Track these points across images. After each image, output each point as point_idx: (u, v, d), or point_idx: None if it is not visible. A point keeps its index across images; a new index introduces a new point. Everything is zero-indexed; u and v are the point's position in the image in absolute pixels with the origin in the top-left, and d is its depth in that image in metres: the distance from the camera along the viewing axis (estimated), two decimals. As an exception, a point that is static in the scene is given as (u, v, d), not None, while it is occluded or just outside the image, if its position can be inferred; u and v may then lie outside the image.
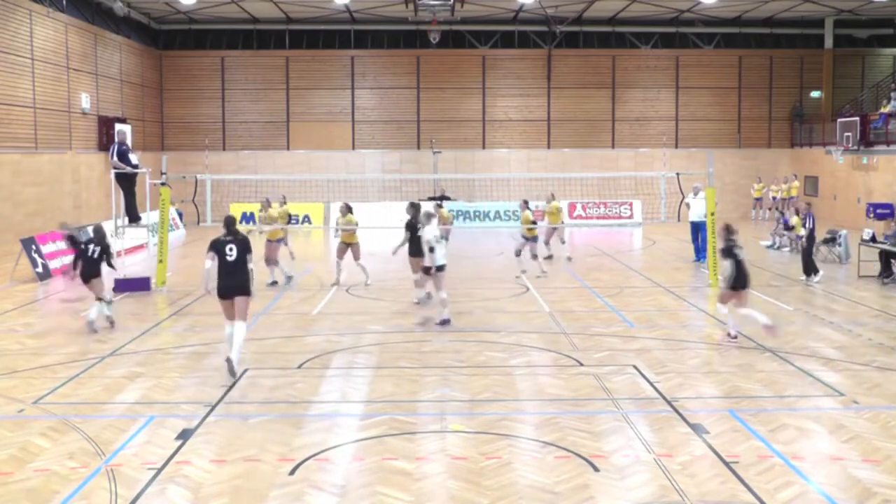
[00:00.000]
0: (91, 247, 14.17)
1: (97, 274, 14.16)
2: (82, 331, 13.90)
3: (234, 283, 11.16)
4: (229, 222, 11.51)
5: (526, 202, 21.68)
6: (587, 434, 8.78)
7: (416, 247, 15.73)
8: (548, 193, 23.49)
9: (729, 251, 12.98)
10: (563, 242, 23.35)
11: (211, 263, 11.27)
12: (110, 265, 14.75)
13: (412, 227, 15.93)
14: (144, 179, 19.37)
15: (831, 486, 7.45)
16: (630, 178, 34.93)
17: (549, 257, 22.43)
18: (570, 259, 22.73)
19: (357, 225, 18.51)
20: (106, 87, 31.41)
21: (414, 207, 16.32)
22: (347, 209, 18.39)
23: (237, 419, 9.40)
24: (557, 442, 8.55)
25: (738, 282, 12.85)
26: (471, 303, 16.90)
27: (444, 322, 14.29)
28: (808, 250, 19.12)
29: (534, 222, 21.01)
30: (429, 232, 14.42)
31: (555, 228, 22.93)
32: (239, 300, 11.16)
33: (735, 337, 13.07)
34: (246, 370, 11.44)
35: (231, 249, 11.20)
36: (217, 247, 11.26)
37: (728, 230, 13.29)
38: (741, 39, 38.46)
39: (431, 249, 14.32)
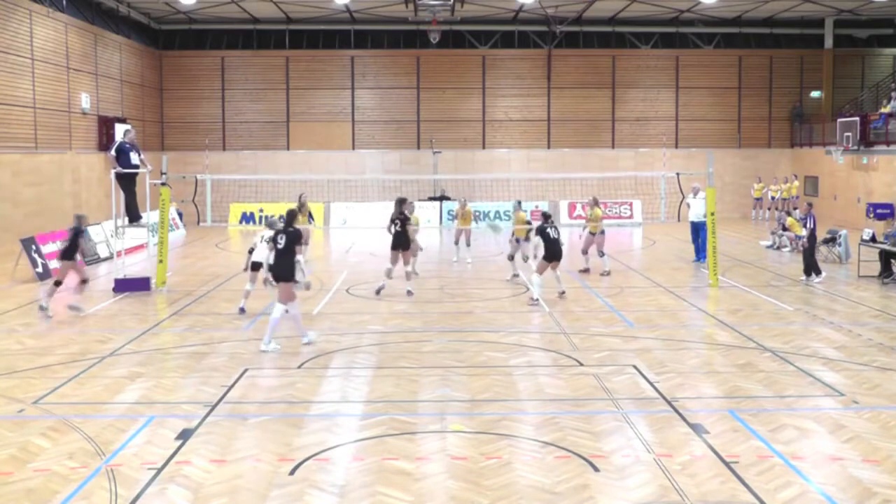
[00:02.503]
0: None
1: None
2: (82, 330, 13.94)
3: (277, 269, 12.67)
4: (290, 215, 13.01)
5: (519, 203, 21.29)
6: (587, 434, 8.78)
7: (396, 240, 17.23)
8: (590, 197, 21.65)
9: (542, 230, 16.48)
10: (602, 255, 20.42)
11: (268, 253, 12.95)
12: None
13: (394, 221, 17.31)
14: (144, 179, 19.37)
15: (831, 486, 7.45)
16: (630, 178, 34.97)
17: (586, 270, 20.51)
18: (606, 274, 20.17)
19: (418, 224, 19.90)
20: (106, 87, 31.42)
21: (399, 202, 17.72)
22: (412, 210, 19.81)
23: (237, 419, 9.40)
24: (557, 442, 8.55)
25: (552, 255, 16.38)
26: (470, 303, 16.90)
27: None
28: (810, 251, 19.09)
29: (528, 223, 20.18)
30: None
31: (593, 235, 20.48)
32: (279, 285, 12.62)
33: (537, 300, 16.15)
34: (246, 370, 11.45)
35: (281, 238, 12.65)
36: (275, 236, 12.82)
37: (545, 216, 16.94)
38: (741, 39, 38.47)
39: (250, 251, 15.48)
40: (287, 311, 12.60)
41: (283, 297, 12.58)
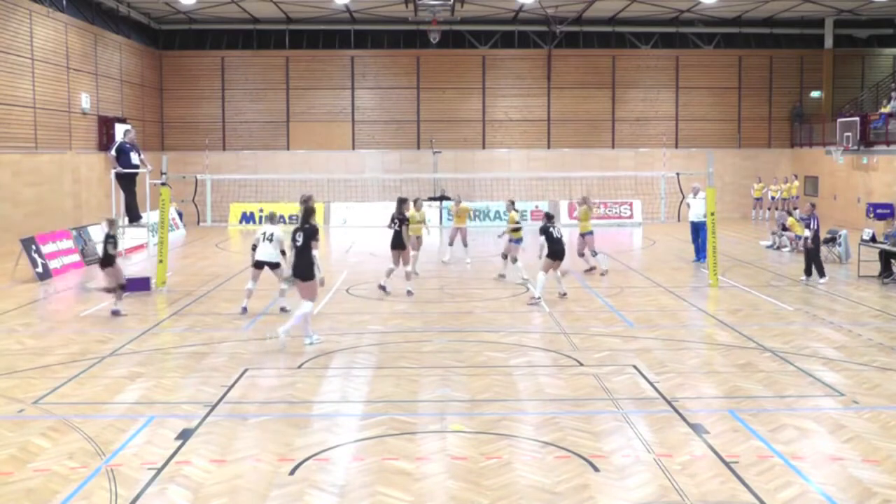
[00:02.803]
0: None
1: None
2: (82, 330, 13.94)
3: (296, 267, 12.74)
4: (306, 212, 13.10)
5: (512, 202, 21.24)
6: (587, 434, 8.78)
7: (396, 240, 17.47)
8: (579, 196, 21.48)
9: (545, 230, 16.61)
10: (595, 254, 20.64)
11: (290, 252, 13.11)
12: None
13: (394, 220, 17.55)
14: (144, 179, 19.37)
15: (831, 486, 7.44)
16: (630, 178, 34.95)
17: (592, 269, 20.36)
18: (604, 274, 20.14)
19: (424, 220, 20.75)
20: (106, 87, 31.42)
21: (400, 202, 17.94)
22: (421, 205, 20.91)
23: (237, 419, 9.40)
24: (557, 442, 8.55)
25: (554, 254, 16.51)
26: (470, 303, 16.90)
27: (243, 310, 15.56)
28: (815, 252, 19.05)
29: (517, 223, 20.05)
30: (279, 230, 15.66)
31: (583, 236, 20.50)
32: (298, 283, 12.74)
33: (538, 299, 16.30)
34: (246, 370, 11.44)
35: (299, 236, 12.69)
36: (293, 234, 12.86)
37: (547, 217, 17.04)
38: (741, 39, 38.47)
39: (254, 248, 15.61)
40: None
41: (307, 295, 12.70)
